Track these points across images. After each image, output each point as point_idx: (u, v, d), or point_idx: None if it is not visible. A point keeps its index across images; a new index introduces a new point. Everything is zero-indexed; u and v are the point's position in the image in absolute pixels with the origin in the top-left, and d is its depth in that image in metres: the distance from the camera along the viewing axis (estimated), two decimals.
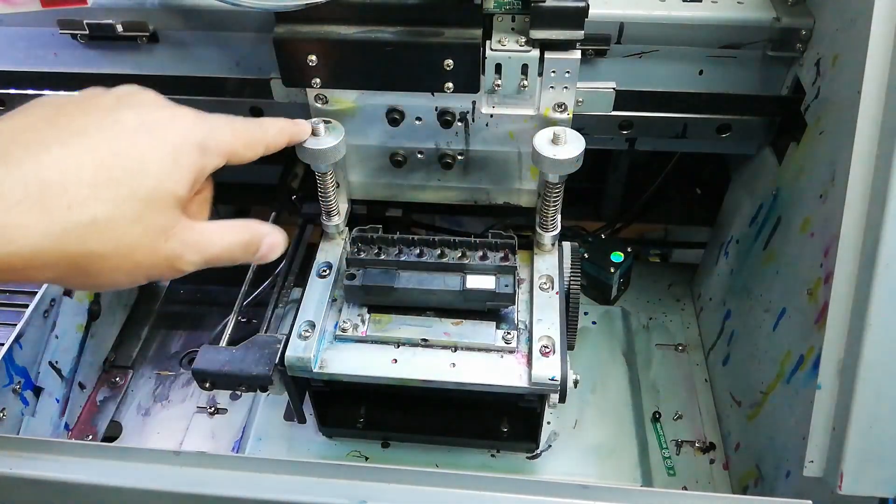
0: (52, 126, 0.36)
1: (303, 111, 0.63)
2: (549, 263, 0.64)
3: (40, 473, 0.42)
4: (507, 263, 0.60)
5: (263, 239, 0.44)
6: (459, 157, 0.65)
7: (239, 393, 0.81)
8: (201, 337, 0.89)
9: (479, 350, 0.58)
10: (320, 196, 0.64)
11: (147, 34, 0.63)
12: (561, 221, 0.65)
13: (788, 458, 0.57)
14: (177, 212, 0.38)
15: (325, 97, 0.61)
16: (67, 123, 0.36)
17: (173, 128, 0.39)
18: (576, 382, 0.57)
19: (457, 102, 0.60)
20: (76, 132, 0.36)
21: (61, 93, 0.37)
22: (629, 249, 0.85)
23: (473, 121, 0.62)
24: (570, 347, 0.61)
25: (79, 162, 0.35)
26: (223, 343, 0.61)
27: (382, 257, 0.61)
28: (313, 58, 0.56)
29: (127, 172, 0.36)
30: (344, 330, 0.59)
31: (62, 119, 0.37)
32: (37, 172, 0.34)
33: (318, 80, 0.58)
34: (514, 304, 0.59)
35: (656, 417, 0.77)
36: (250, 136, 0.44)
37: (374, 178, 0.68)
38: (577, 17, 0.54)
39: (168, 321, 0.92)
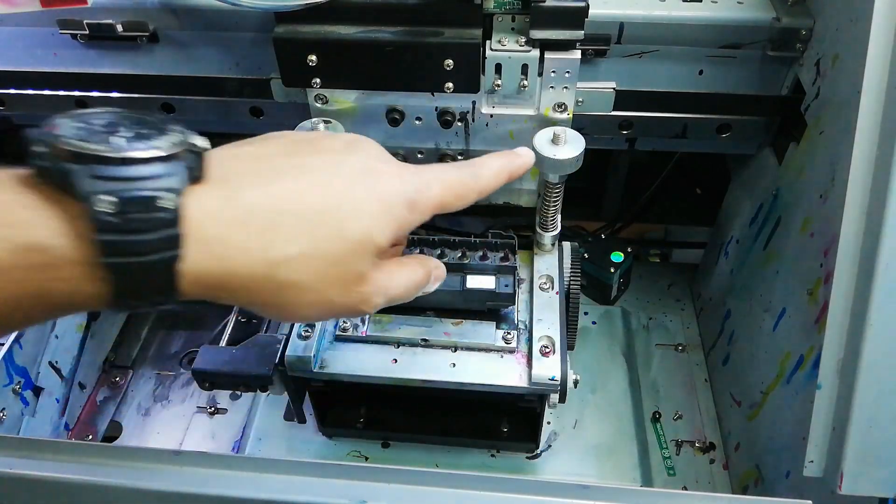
0: (286, 159, 0.37)
1: (303, 111, 0.63)
2: (549, 263, 0.64)
3: (40, 473, 0.42)
4: (507, 263, 0.60)
5: (433, 273, 0.46)
6: (459, 157, 0.65)
7: (239, 393, 0.80)
8: (201, 337, 0.88)
9: (479, 350, 0.58)
10: None
11: (147, 34, 0.63)
12: (561, 221, 0.65)
13: (788, 458, 0.57)
14: (375, 259, 0.39)
15: (325, 97, 0.61)
16: (300, 160, 0.37)
17: (390, 181, 0.39)
18: (576, 382, 0.57)
19: (457, 102, 0.60)
20: (306, 169, 0.37)
21: (294, 133, 0.40)
22: (629, 249, 0.85)
23: (473, 121, 0.62)
24: (570, 347, 0.61)
25: (303, 197, 0.35)
26: (223, 343, 0.61)
27: None
28: (313, 58, 0.56)
29: (342, 216, 0.37)
30: (344, 330, 0.59)
31: (296, 155, 0.38)
32: (264, 200, 0.34)
33: (318, 81, 0.58)
34: (514, 304, 0.59)
35: (656, 417, 0.77)
36: (462, 188, 0.44)
37: None
38: (577, 17, 0.54)
39: (168, 321, 0.91)
